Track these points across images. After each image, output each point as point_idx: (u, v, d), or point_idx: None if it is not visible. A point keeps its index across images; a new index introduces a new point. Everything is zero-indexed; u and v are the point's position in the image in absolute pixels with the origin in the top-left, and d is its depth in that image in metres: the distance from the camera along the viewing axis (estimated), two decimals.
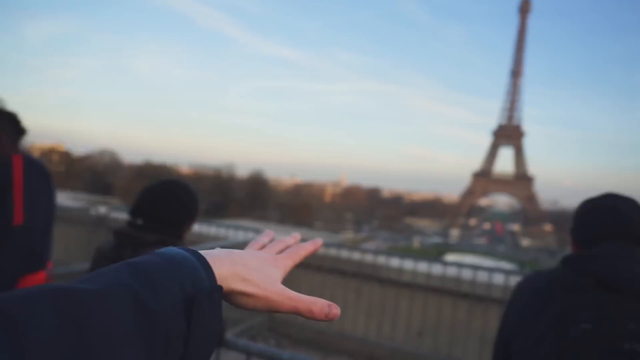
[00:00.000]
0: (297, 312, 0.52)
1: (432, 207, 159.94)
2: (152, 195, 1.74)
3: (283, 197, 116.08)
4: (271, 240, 0.68)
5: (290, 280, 4.74)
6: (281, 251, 0.64)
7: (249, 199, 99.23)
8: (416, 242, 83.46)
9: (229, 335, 1.81)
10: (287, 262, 0.60)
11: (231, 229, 5.48)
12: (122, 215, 6.57)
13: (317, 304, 0.52)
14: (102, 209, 6.71)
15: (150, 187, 1.78)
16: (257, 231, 5.32)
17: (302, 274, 4.83)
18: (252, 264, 0.53)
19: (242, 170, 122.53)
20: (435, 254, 70.36)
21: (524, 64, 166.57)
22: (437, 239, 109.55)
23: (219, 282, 0.48)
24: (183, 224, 1.76)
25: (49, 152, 79.67)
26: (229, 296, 0.51)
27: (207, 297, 0.44)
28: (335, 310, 0.53)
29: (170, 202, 1.73)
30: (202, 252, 0.50)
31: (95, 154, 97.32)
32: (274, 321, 4.93)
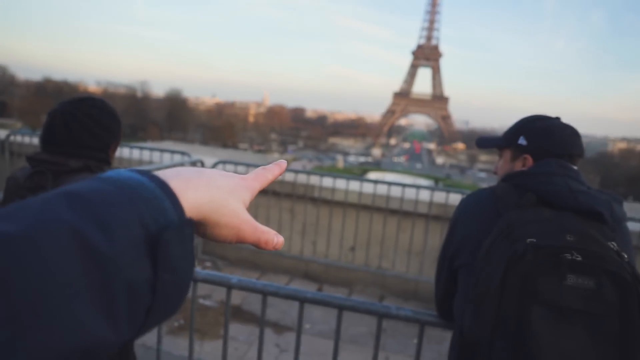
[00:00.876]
0: (257, 244, 0.48)
1: (355, 127, 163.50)
2: (66, 118, 1.51)
3: (204, 118, 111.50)
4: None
5: None
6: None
7: (167, 119, 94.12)
8: (340, 161, 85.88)
9: None
10: (254, 184, 0.51)
11: (155, 152, 5.18)
12: (27, 140, 5.90)
13: (271, 236, 0.49)
14: (1, 133, 5.98)
15: (62, 108, 1.53)
16: (183, 154, 5.08)
17: None
18: (227, 187, 0.45)
19: (158, 89, 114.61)
20: (358, 172, 73.33)
21: None
22: (360, 158, 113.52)
23: (193, 212, 0.40)
24: (108, 148, 1.58)
25: None
26: (200, 227, 0.43)
27: (175, 233, 0.36)
28: (282, 240, 0.50)
29: (89, 123, 1.52)
30: (162, 174, 0.41)
31: None
32: (208, 243, 4.90)
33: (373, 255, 4.44)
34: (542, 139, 1.37)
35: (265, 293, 1.66)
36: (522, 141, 1.40)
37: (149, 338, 2.14)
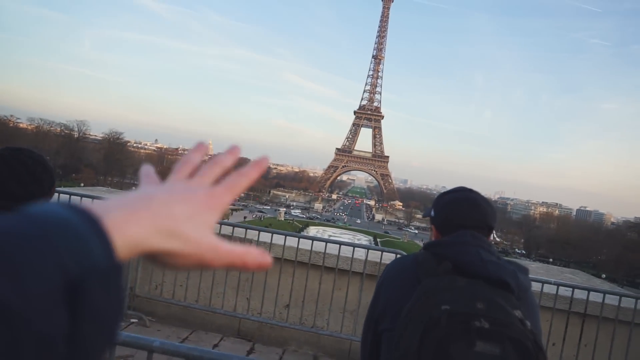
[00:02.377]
0: (230, 267, 0.45)
1: (298, 180, 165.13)
2: None
3: (145, 163, 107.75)
4: (204, 159, 0.52)
5: None
6: (218, 178, 0.49)
7: (104, 162, 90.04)
8: (281, 214, 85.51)
9: None
10: (226, 198, 0.46)
11: (86, 200, 4.94)
12: None
13: (251, 255, 0.45)
14: None
15: None
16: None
17: None
18: (182, 211, 0.41)
19: (97, 131, 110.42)
20: (299, 227, 73.17)
21: (384, 50, 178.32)
22: (301, 212, 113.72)
23: (135, 247, 0.37)
24: (35, 202, 1.53)
25: None
26: (152, 257, 0.40)
27: (100, 279, 0.32)
28: (269, 259, 0.46)
29: (21, 171, 1.49)
30: (103, 205, 0.36)
31: None
32: (135, 298, 4.63)
33: (308, 313, 4.40)
34: (443, 212, 1.53)
35: (189, 358, 1.60)
36: (432, 213, 1.55)
37: None
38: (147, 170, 0.50)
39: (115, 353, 1.71)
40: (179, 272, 4.55)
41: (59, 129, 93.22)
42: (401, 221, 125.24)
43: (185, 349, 1.63)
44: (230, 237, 4.54)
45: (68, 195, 4.89)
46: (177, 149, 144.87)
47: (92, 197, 4.96)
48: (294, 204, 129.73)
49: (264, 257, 0.46)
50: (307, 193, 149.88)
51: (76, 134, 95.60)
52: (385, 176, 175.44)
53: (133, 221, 0.37)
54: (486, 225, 1.49)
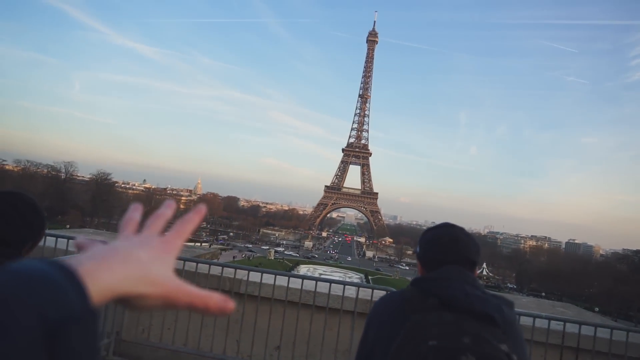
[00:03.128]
0: (191, 308, 0.48)
1: (287, 219, 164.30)
2: None
3: (132, 203, 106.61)
4: (143, 216, 0.58)
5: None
6: (164, 229, 0.55)
7: (91, 203, 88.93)
8: (271, 253, 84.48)
9: None
10: (177, 242, 0.52)
11: (73, 241, 4.88)
12: None
13: (213, 299, 0.50)
14: None
15: None
16: (103, 243, 4.83)
17: None
18: (146, 257, 0.46)
19: (85, 172, 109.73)
20: (289, 265, 72.21)
21: (370, 90, 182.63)
22: (291, 250, 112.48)
23: (108, 292, 0.40)
24: (23, 245, 1.54)
25: None
26: (123, 300, 0.44)
27: (77, 324, 0.34)
28: (231, 305, 0.51)
29: (12, 214, 1.50)
30: (76, 259, 0.40)
31: None
32: (121, 343, 4.51)
33: (299, 354, 4.31)
34: (426, 249, 1.58)
35: None
36: (417, 249, 1.60)
37: None
38: (129, 217, 0.56)
39: None
40: (166, 315, 4.46)
41: (45, 171, 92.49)
42: (392, 258, 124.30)
43: None
44: (219, 277, 4.49)
45: (54, 238, 4.83)
46: (165, 188, 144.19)
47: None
48: (284, 242, 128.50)
49: (226, 303, 0.50)
50: (297, 231, 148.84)
51: (63, 175, 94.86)
52: (375, 213, 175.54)
53: (105, 269, 0.41)
54: (469, 261, 1.53)
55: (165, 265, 0.48)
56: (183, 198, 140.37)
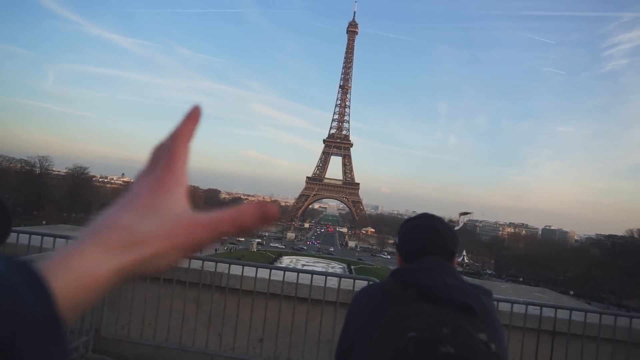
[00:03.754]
0: (226, 235, 0.40)
1: None
2: None
3: (110, 197, 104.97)
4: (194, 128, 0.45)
5: (120, 293, 4.27)
6: (165, 155, 0.43)
7: (68, 198, 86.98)
8: (253, 245, 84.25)
9: None
10: (177, 168, 0.42)
11: (48, 238, 4.75)
12: None
13: (246, 214, 0.40)
14: None
15: None
16: None
17: (135, 286, 4.46)
18: (129, 216, 0.38)
19: (61, 166, 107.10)
20: (272, 257, 72.19)
21: (351, 81, 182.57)
22: (274, 242, 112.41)
23: (94, 278, 0.34)
24: None
25: None
26: (135, 273, 0.37)
27: (34, 334, 0.29)
28: (272, 207, 0.41)
29: None
30: (42, 257, 0.34)
31: None
32: (100, 340, 4.44)
33: (282, 346, 4.31)
34: (405, 239, 1.58)
35: None
36: (396, 240, 1.60)
37: None
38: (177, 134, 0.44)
39: None
40: (147, 311, 4.40)
41: (19, 165, 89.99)
42: (374, 247, 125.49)
43: None
44: (200, 271, 4.45)
45: (28, 235, 4.70)
46: None
47: (54, 236, 4.78)
48: (266, 234, 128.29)
49: (266, 208, 0.41)
50: (279, 222, 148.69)
51: (38, 170, 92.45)
52: (357, 203, 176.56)
53: (75, 257, 0.34)
54: (447, 251, 1.53)
55: (162, 210, 0.38)
56: None
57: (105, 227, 0.37)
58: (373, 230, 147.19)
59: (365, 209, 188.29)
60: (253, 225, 0.40)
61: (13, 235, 4.67)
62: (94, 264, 0.34)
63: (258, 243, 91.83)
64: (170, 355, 4.32)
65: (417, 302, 1.31)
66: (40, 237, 4.68)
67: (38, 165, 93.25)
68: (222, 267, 4.53)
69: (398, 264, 1.59)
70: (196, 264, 4.50)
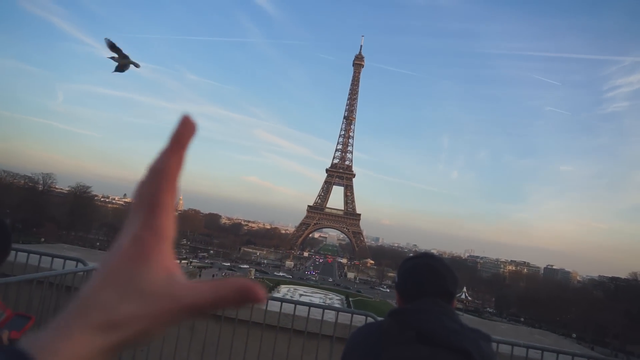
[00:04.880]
0: (217, 308, 0.39)
1: (269, 237, 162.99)
2: None
3: (110, 217, 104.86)
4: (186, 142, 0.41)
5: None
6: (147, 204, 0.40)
7: (69, 216, 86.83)
8: (251, 272, 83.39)
9: None
10: (160, 225, 0.39)
11: (46, 257, 4.73)
12: None
13: (231, 298, 0.38)
14: None
15: None
16: (78, 261, 4.70)
17: None
18: (112, 295, 0.36)
19: (64, 184, 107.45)
20: (270, 285, 71.30)
21: (355, 112, 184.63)
22: (273, 270, 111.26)
23: (88, 352, 0.34)
24: None
25: None
26: (118, 349, 0.37)
27: None
28: (260, 293, 0.39)
29: None
30: (31, 340, 0.34)
31: None
32: None
33: None
34: (404, 279, 1.57)
35: None
36: (396, 279, 1.59)
37: None
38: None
39: None
40: None
41: (22, 182, 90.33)
42: (373, 280, 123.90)
43: None
44: None
45: (26, 254, 4.68)
46: None
47: (52, 256, 4.76)
48: (265, 261, 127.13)
49: (254, 293, 0.39)
50: (278, 250, 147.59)
51: (41, 187, 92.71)
52: (357, 234, 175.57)
53: (64, 344, 0.34)
54: (447, 292, 1.52)
55: (142, 285, 0.37)
56: None
57: (87, 307, 0.36)
58: (373, 262, 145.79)
59: (365, 240, 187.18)
60: (237, 306, 0.38)
61: (12, 253, 4.65)
62: (80, 347, 0.34)
63: (256, 270, 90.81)
64: None
65: (414, 345, 1.29)
66: (38, 256, 4.66)
67: (41, 182, 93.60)
68: None
69: (397, 303, 1.58)
70: None
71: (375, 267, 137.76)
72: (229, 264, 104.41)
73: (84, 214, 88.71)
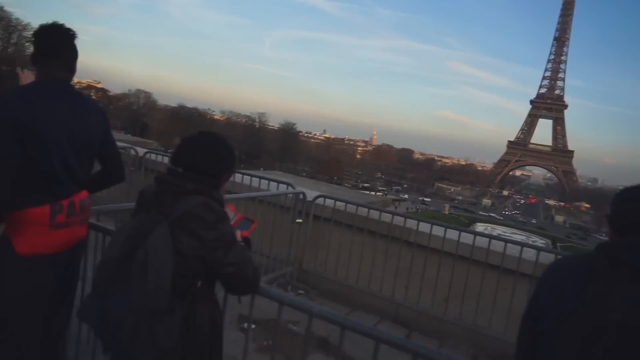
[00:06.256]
0: None
1: (464, 174, 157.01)
2: (192, 146, 1.78)
3: (314, 151, 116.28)
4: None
5: (319, 234, 4.73)
6: None
7: (280, 150, 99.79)
8: (446, 208, 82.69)
9: (262, 283, 1.87)
10: None
11: (263, 181, 5.56)
12: (159, 158, 6.76)
13: None
14: (141, 150, 6.92)
15: (192, 138, 1.81)
16: (287, 184, 5.38)
17: (332, 229, 4.90)
18: None
19: (274, 121, 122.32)
20: (465, 222, 69.92)
21: (570, 31, 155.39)
22: (467, 207, 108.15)
23: None
24: (221, 175, 1.80)
25: (87, 89, 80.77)
26: None
27: None
28: None
29: (210, 154, 1.76)
30: None
31: (131, 94, 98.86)
32: (303, 272, 5.08)
33: (468, 310, 4.20)
34: (621, 210, 1.29)
35: (343, 327, 1.72)
36: (609, 210, 1.32)
37: (237, 352, 2.28)
38: None
39: (282, 316, 1.92)
40: (341, 254, 4.81)
41: (243, 120, 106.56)
42: (588, 225, 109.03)
43: (341, 318, 1.75)
44: (389, 224, 4.59)
45: (249, 177, 5.60)
46: (343, 138, 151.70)
47: (268, 179, 5.56)
48: (460, 198, 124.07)
49: None
50: (474, 187, 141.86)
51: (257, 125, 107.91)
52: (569, 173, 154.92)
53: None
54: None
55: None
56: (359, 148, 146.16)
57: None
58: (588, 205, 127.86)
59: (580, 180, 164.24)
60: None
61: (239, 177, 5.63)
62: None
63: (450, 207, 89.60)
64: (359, 297, 4.66)
65: (625, 283, 1.10)
66: (258, 179, 5.52)
67: (257, 120, 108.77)
68: (411, 224, 4.59)
69: (608, 238, 1.34)
70: (386, 217, 4.66)
71: (591, 211, 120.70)
72: (422, 198, 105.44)
73: (291, 148, 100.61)
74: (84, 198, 2.16)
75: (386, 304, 4.53)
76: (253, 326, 3.61)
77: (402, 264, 4.52)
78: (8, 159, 1.86)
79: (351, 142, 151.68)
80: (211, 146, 1.78)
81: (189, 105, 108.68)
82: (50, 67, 2.06)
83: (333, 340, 3.83)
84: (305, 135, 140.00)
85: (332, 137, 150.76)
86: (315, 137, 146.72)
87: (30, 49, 2.34)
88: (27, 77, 2.20)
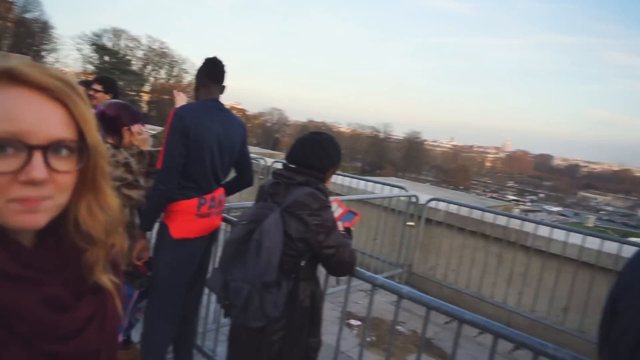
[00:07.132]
0: None
1: (617, 181, 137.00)
2: (303, 145, 2.10)
3: (439, 160, 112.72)
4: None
5: (430, 238, 4.84)
6: None
7: (403, 159, 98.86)
8: (590, 220, 73.32)
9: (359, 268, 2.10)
10: None
11: (377, 185, 5.79)
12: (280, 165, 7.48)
13: None
14: (269, 160, 7.68)
15: (302, 138, 2.15)
16: (400, 188, 5.52)
17: (444, 233, 4.92)
18: None
19: (399, 131, 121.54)
20: (614, 236, 60.88)
21: None
22: (619, 219, 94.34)
23: None
24: (327, 170, 2.09)
25: (231, 110, 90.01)
26: None
27: None
28: None
29: (317, 151, 2.06)
30: None
31: (266, 112, 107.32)
32: (412, 275, 5.17)
33: (591, 322, 3.89)
34: None
35: (429, 307, 1.87)
36: None
37: (342, 344, 2.48)
38: None
39: (388, 316, 2.12)
40: (451, 258, 4.81)
41: (368, 131, 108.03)
42: None
43: (427, 299, 1.90)
44: (504, 228, 4.46)
45: (363, 182, 5.88)
46: (471, 146, 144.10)
47: (381, 183, 5.77)
48: (609, 208, 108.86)
49: None
50: (628, 197, 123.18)
51: (382, 135, 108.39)
52: None
53: None
54: None
55: None
56: (490, 156, 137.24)
57: None
58: None
59: None
60: None
61: (354, 182, 5.95)
62: None
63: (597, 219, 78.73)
64: (469, 302, 4.60)
65: None
66: (372, 183, 5.77)
67: (382, 131, 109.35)
68: (529, 227, 4.41)
69: None
70: (501, 220, 4.55)
71: None
72: (558, 209, 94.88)
73: (415, 157, 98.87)
74: (222, 194, 2.67)
75: (497, 310, 4.40)
76: (359, 323, 3.86)
77: (517, 269, 4.36)
78: (179, 161, 2.41)
79: (480, 149, 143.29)
80: (318, 144, 2.08)
81: (317, 120, 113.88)
82: (210, 89, 2.59)
83: (437, 342, 3.89)
84: (431, 143, 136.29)
85: (460, 144, 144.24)
86: (441, 145, 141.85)
87: (186, 79, 2.99)
88: (181, 98, 2.85)
